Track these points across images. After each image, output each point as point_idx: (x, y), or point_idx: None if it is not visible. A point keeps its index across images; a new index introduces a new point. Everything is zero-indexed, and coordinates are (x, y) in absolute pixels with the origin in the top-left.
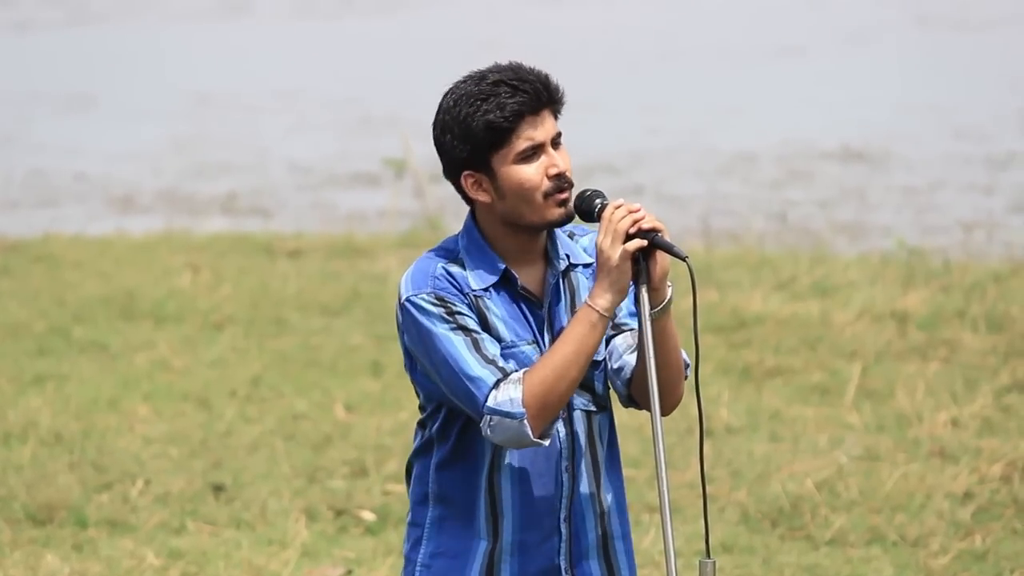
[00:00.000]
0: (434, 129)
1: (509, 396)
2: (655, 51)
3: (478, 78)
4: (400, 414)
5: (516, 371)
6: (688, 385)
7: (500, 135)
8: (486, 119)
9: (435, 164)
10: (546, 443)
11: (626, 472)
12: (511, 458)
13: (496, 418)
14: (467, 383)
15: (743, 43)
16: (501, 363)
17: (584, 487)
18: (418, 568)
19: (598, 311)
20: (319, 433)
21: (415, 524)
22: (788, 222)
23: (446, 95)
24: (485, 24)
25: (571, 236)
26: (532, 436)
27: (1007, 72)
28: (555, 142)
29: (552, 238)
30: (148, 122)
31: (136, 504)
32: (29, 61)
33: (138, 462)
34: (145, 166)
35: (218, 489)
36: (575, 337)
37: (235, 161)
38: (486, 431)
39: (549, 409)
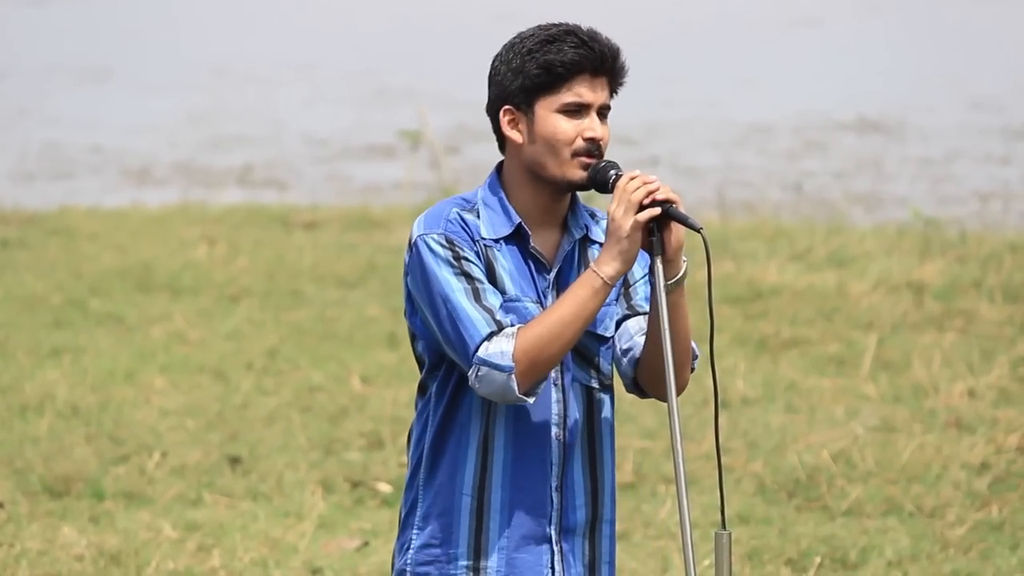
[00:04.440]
0: (493, 61)
1: (501, 348)
2: (671, 22)
3: (552, 25)
4: (416, 386)
5: (512, 325)
6: (704, 356)
7: (553, 80)
8: (546, 59)
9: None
10: (531, 401)
11: (641, 443)
12: (504, 418)
13: (485, 369)
14: (461, 330)
15: (759, 14)
16: (499, 315)
17: (578, 461)
18: (413, 531)
19: (602, 278)
20: (335, 405)
21: (410, 487)
22: (804, 193)
23: (518, 34)
24: None
25: (593, 216)
26: (517, 391)
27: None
28: (602, 113)
29: (574, 208)
30: (164, 94)
31: (153, 476)
32: (45, 34)
33: (155, 434)
34: (161, 138)
35: (234, 461)
36: (575, 300)
37: (251, 133)
38: (474, 382)
39: (539, 367)
